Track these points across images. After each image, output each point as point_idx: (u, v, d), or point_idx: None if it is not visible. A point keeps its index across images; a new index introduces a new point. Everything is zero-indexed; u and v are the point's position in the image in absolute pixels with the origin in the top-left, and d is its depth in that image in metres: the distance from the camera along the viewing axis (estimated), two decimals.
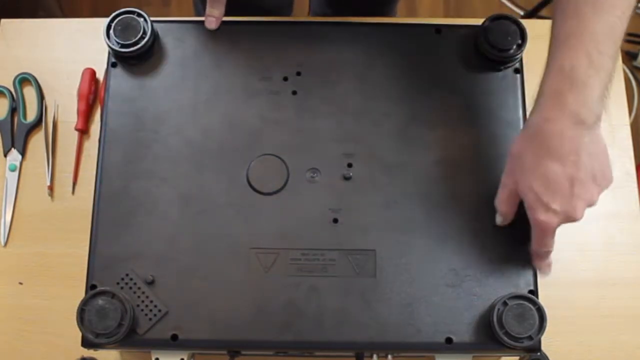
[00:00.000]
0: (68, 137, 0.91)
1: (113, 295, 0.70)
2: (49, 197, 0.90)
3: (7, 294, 0.86)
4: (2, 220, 0.89)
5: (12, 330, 0.85)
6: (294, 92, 0.78)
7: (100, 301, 0.70)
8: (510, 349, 0.71)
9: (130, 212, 0.74)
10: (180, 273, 0.72)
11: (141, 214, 0.74)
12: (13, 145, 0.89)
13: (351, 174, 0.75)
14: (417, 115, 0.78)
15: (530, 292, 0.72)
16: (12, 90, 0.92)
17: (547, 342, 0.73)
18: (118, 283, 0.72)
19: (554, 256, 0.83)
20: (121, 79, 0.78)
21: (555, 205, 0.67)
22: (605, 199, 0.85)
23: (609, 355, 0.85)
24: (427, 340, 0.71)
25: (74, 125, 0.90)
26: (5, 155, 0.91)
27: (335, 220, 0.74)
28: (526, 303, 0.70)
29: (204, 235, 0.73)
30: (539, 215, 0.68)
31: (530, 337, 0.70)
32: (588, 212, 0.84)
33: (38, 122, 0.90)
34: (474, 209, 0.75)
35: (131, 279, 0.72)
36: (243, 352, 0.74)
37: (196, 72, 0.78)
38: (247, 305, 0.72)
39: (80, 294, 0.74)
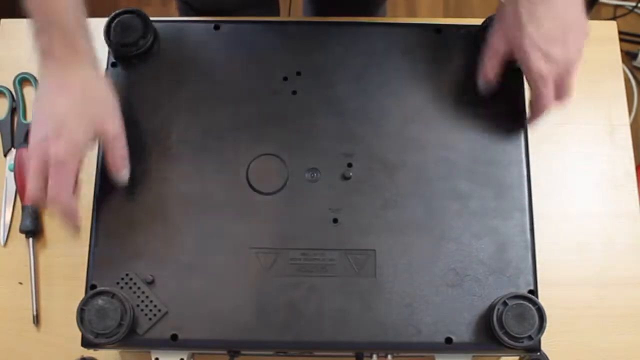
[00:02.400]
0: None
1: (113, 295, 0.70)
2: None
3: (7, 294, 0.86)
4: (2, 220, 0.88)
5: (12, 330, 0.85)
6: (294, 92, 0.78)
7: (100, 301, 0.70)
8: (510, 349, 0.71)
9: (130, 212, 0.74)
10: (180, 273, 0.72)
11: (141, 214, 0.74)
12: (13, 145, 0.89)
13: (351, 173, 0.75)
14: (417, 115, 0.78)
15: (530, 291, 0.72)
16: (12, 90, 0.92)
17: (547, 342, 0.73)
18: (118, 283, 0.72)
19: (554, 256, 0.87)
20: (121, 79, 0.78)
21: (555, 52, 0.71)
22: (605, 199, 0.91)
23: (609, 355, 0.85)
24: (427, 340, 0.71)
25: None
26: (5, 155, 0.91)
27: (335, 220, 0.74)
28: (526, 303, 0.70)
29: (204, 235, 0.73)
30: (539, 64, 0.70)
31: (530, 337, 0.70)
32: (588, 212, 0.89)
33: None
34: (474, 208, 0.74)
35: (131, 279, 0.72)
36: (243, 352, 0.74)
37: (196, 72, 0.79)
38: (246, 305, 0.72)
39: (80, 294, 0.74)
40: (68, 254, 0.86)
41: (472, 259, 0.73)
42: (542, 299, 0.75)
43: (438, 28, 0.81)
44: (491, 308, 0.71)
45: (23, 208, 0.88)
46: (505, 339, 0.69)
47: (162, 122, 0.77)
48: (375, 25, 0.86)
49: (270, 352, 0.75)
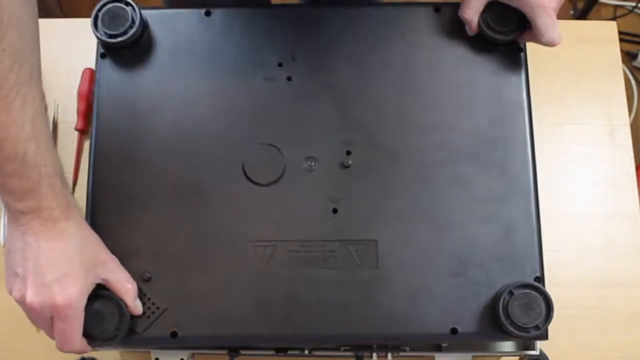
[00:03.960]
0: (68, 137, 0.90)
1: (110, 299, 0.68)
2: None
3: (7, 294, 0.82)
4: (2, 220, 0.87)
5: (12, 330, 0.85)
6: (289, 78, 0.75)
7: (96, 305, 0.68)
8: (516, 339, 0.69)
9: (125, 208, 0.72)
10: (177, 269, 0.71)
11: (136, 209, 0.72)
12: None
13: (350, 161, 0.72)
14: (417, 98, 0.75)
15: (537, 278, 0.70)
16: None
17: (547, 342, 0.73)
18: None
19: (554, 256, 0.86)
20: (111, 70, 0.76)
21: None
22: (605, 199, 0.92)
23: (609, 355, 0.86)
24: (432, 332, 0.69)
25: (73, 125, 0.89)
26: None
27: (335, 210, 0.72)
28: (532, 292, 0.68)
29: (200, 229, 0.72)
30: None
31: (537, 327, 0.68)
32: (588, 212, 0.91)
33: None
34: (477, 194, 0.72)
35: None
36: (243, 353, 0.73)
37: (188, 61, 0.76)
38: (246, 300, 0.70)
39: None
40: None
41: (476, 246, 0.71)
42: None
43: (437, 7, 0.78)
44: (497, 297, 0.69)
45: None
46: (512, 329, 0.67)
47: (154, 113, 0.75)
48: (371, 7, 0.83)
49: (272, 347, 0.73)
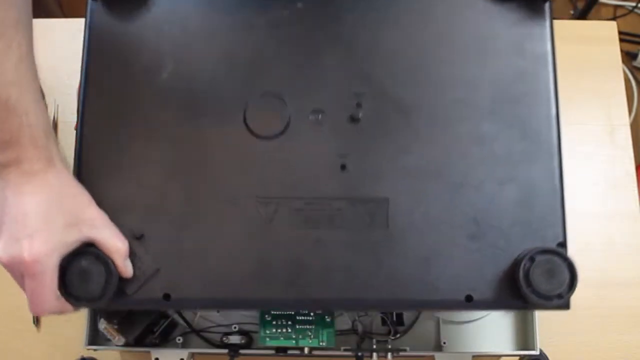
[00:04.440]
0: (68, 137, 0.85)
1: (97, 256, 0.63)
2: None
3: (7, 294, 0.84)
4: None
5: (12, 330, 0.86)
6: (295, 24, 0.69)
7: (83, 262, 0.62)
8: (537, 309, 0.64)
9: (117, 162, 0.67)
10: (172, 226, 0.65)
11: (128, 163, 0.67)
12: None
13: (360, 115, 0.67)
14: (433, 50, 0.69)
15: (559, 245, 0.65)
16: None
17: (547, 342, 0.75)
18: None
19: None
20: (103, 15, 0.70)
21: None
22: (605, 199, 0.92)
23: (609, 355, 0.86)
24: (446, 298, 0.64)
25: (74, 125, 0.83)
26: None
27: (343, 167, 0.66)
28: (555, 258, 0.63)
29: (198, 185, 0.66)
30: None
31: (559, 296, 0.63)
32: (588, 212, 0.91)
33: None
34: (497, 153, 0.67)
35: None
36: (242, 352, 0.74)
37: (186, 6, 0.70)
38: (246, 261, 0.65)
39: None
40: None
41: (495, 209, 0.66)
42: None
43: None
44: (516, 263, 0.63)
45: None
46: (533, 297, 0.62)
47: (151, 61, 0.69)
48: None
49: (273, 309, 0.68)
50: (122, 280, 0.64)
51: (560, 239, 0.65)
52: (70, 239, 0.61)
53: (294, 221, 0.65)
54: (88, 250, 0.63)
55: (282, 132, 0.67)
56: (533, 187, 0.66)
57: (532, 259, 0.63)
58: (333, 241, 0.65)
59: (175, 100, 0.67)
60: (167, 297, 0.64)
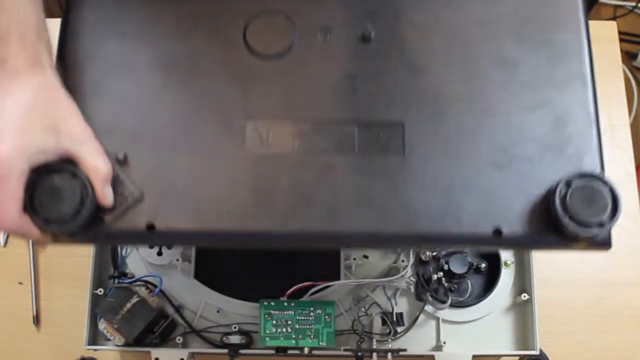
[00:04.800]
0: None
1: (74, 175, 0.55)
2: None
3: (7, 294, 0.88)
4: None
5: (12, 330, 0.87)
6: None
7: (55, 179, 0.54)
8: (574, 242, 0.56)
9: (101, 78, 0.60)
10: (160, 149, 0.58)
11: (114, 80, 0.60)
12: None
13: (372, 34, 0.60)
14: None
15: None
16: None
17: (547, 342, 0.76)
18: None
19: (554, 256, 0.89)
20: None
21: None
22: None
23: (609, 355, 0.86)
24: (470, 231, 0.56)
25: None
26: None
27: (354, 88, 0.59)
28: (596, 182, 0.55)
29: (190, 106, 0.59)
30: None
31: (601, 224, 0.55)
32: None
33: None
34: (524, 78, 0.60)
35: None
36: (242, 352, 0.72)
37: None
38: (242, 189, 0.57)
39: (80, 294, 0.79)
40: (68, 254, 0.88)
41: (522, 136, 0.58)
42: (542, 299, 0.81)
43: None
44: (551, 191, 0.56)
45: None
46: (572, 225, 0.54)
47: None
48: None
49: (273, 245, 0.60)
50: (101, 209, 0.55)
51: (598, 166, 0.58)
52: (46, 147, 0.53)
53: (299, 146, 0.58)
54: (64, 166, 0.55)
55: (286, 52, 0.60)
56: (564, 115, 0.59)
57: (568, 184, 0.55)
58: (342, 168, 0.57)
59: (167, 14, 0.61)
60: (150, 228, 0.56)
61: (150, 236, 0.56)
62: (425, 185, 0.57)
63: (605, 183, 0.55)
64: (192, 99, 0.59)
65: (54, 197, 0.54)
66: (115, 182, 0.56)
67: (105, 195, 0.55)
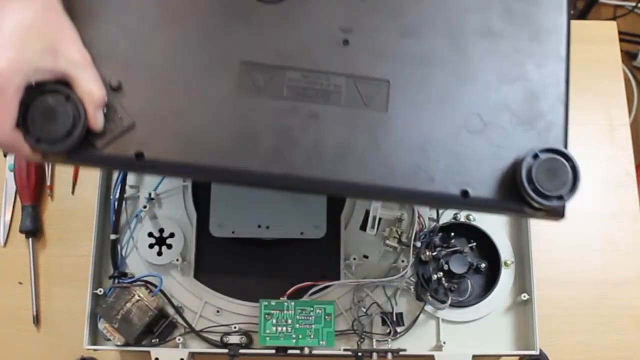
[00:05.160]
0: None
1: (68, 97, 0.56)
2: (49, 197, 0.91)
3: (7, 294, 0.88)
4: (2, 220, 0.90)
5: (12, 330, 0.87)
6: None
7: (49, 100, 0.56)
8: (534, 210, 0.60)
9: (101, 5, 0.60)
10: (154, 81, 0.59)
11: (114, 7, 0.60)
12: None
13: None
14: None
15: None
16: None
17: (547, 342, 0.76)
18: None
19: (554, 256, 0.90)
20: None
21: None
22: (605, 199, 0.93)
23: (609, 355, 0.87)
24: (440, 190, 0.60)
25: None
26: (4, 155, 0.91)
27: (346, 42, 0.62)
28: (560, 158, 0.60)
29: (186, 41, 0.60)
30: None
31: (560, 197, 0.59)
32: (588, 212, 0.93)
33: None
34: (505, 50, 0.63)
35: None
36: (242, 352, 0.74)
37: None
38: (230, 127, 0.59)
39: (80, 294, 0.80)
40: (68, 254, 0.89)
41: (498, 105, 0.62)
42: (542, 299, 0.80)
43: None
44: (518, 161, 0.60)
45: (23, 208, 0.90)
46: (534, 195, 0.58)
47: None
48: None
49: (255, 184, 0.62)
50: (92, 133, 0.57)
51: (563, 144, 0.62)
52: (43, 65, 0.54)
53: (288, 92, 0.60)
54: (59, 88, 0.56)
55: None
56: (538, 91, 0.63)
57: (535, 156, 0.60)
58: (328, 117, 0.60)
59: None
60: (140, 156, 0.58)
61: (139, 164, 0.58)
62: (404, 143, 0.60)
63: (569, 159, 0.60)
64: (190, 35, 0.60)
65: (46, 116, 0.55)
66: (108, 110, 0.58)
67: (97, 119, 0.57)
